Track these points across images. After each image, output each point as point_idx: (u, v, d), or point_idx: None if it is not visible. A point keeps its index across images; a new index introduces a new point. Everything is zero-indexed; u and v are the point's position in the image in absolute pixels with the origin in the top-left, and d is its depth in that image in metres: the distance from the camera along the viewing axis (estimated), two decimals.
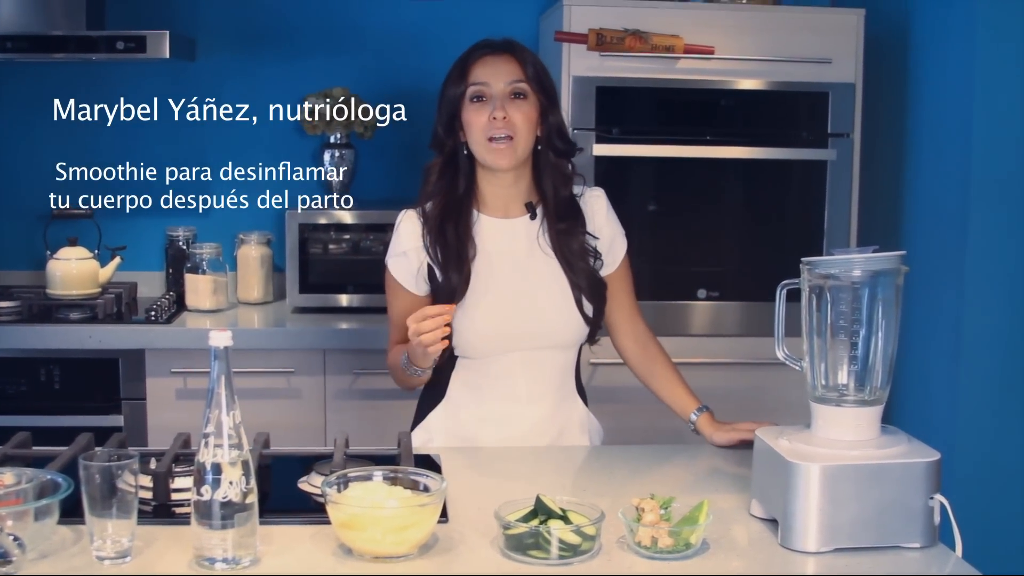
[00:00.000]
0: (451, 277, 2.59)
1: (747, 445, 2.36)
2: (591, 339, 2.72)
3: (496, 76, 2.58)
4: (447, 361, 2.65)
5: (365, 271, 3.97)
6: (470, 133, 2.60)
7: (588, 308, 2.65)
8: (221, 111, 4.32)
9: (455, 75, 2.62)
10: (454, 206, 2.64)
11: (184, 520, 1.93)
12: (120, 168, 4.31)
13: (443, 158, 2.66)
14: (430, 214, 2.63)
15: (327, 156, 4.23)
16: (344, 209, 4.03)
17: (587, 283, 2.65)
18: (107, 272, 4.04)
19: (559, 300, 2.64)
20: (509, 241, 2.66)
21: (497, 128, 2.55)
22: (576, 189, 2.71)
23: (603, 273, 2.71)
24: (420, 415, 2.76)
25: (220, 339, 1.85)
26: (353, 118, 4.17)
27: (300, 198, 4.29)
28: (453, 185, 2.65)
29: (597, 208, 2.73)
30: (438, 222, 2.62)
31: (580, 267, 2.65)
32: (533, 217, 2.67)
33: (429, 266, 2.63)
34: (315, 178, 4.35)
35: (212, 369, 1.85)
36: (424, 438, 2.70)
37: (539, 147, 2.65)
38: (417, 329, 2.38)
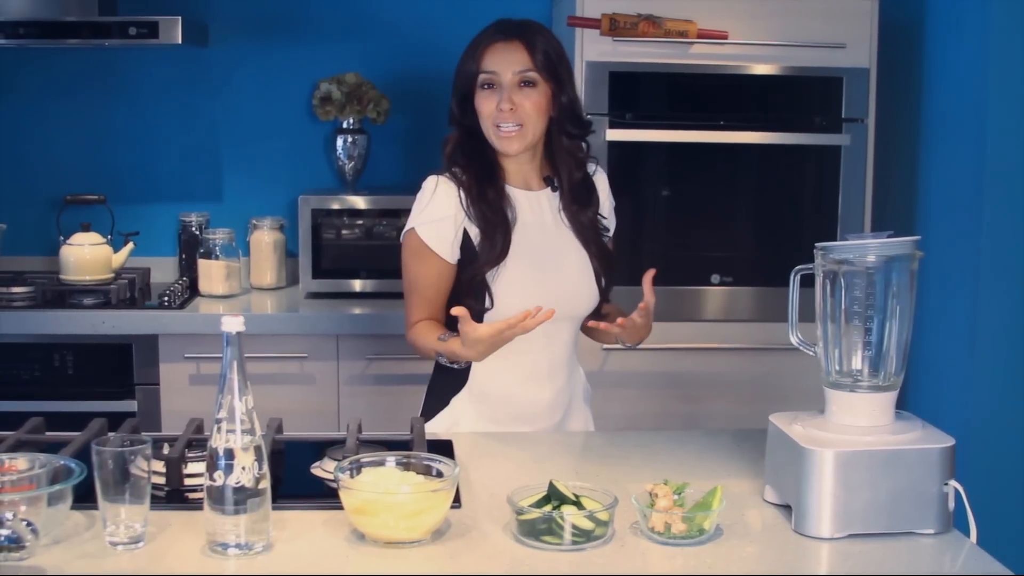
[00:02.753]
0: (496, 241, 2.59)
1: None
2: (597, 314, 2.75)
3: (505, 65, 2.59)
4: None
5: (378, 256, 3.97)
6: (480, 118, 2.62)
7: (603, 281, 2.71)
8: (233, 96, 4.34)
9: (468, 57, 2.64)
10: (486, 171, 2.65)
11: (197, 505, 1.93)
12: (133, 154, 4.33)
13: (459, 134, 2.68)
14: (465, 180, 2.64)
15: (339, 142, 4.23)
16: (357, 194, 4.03)
17: (601, 257, 2.70)
18: (120, 258, 4.05)
19: (582, 271, 2.68)
20: (537, 212, 2.68)
21: (505, 118, 2.58)
22: (589, 167, 2.75)
23: None
24: (435, 397, 2.75)
25: (232, 324, 1.84)
26: (365, 104, 4.17)
27: (312, 183, 4.30)
28: (481, 154, 2.66)
29: (601, 184, 2.78)
30: (476, 189, 2.62)
31: (596, 241, 2.70)
32: (555, 189, 2.70)
33: (464, 233, 2.63)
34: (328, 164, 4.36)
35: (224, 354, 1.84)
36: (449, 422, 2.70)
37: (552, 129, 2.66)
38: (524, 326, 2.42)
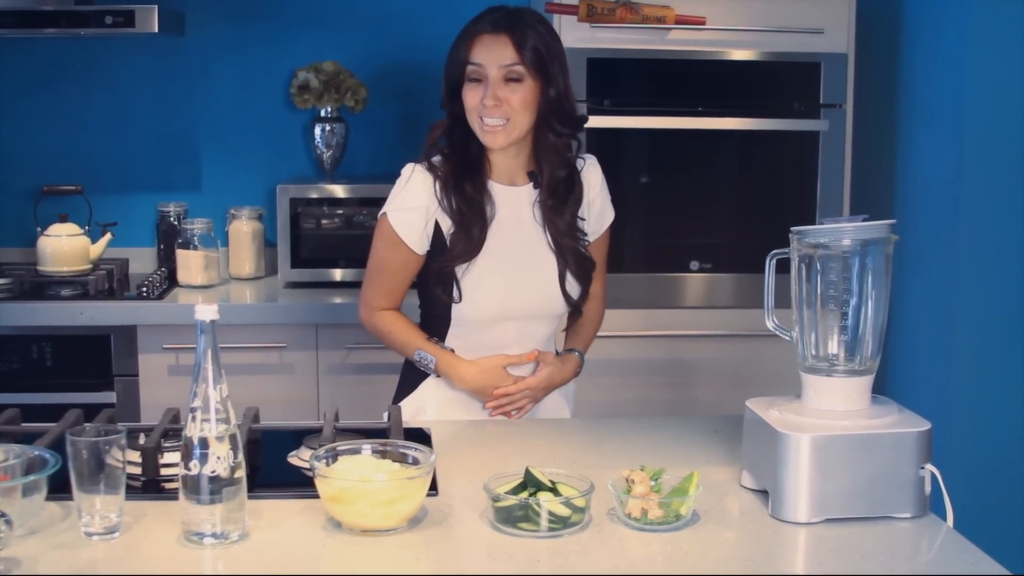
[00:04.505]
0: (472, 235, 2.59)
1: None
2: (575, 315, 2.76)
3: (491, 59, 2.56)
4: (440, 329, 2.69)
5: (357, 245, 3.94)
6: (466, 110, 2.60)
7: (571, 285, 2.67)
8: (211, 86, 4.32)
9: (458, 46, 2.61)
10: (468, 163, 2.64)
11: (173, 495, 1.92)
12: (110, 144, 4.31)
13: (450, 120, 2.66)
14: (443, 170, 2.62)
15: (317, 130, 4.21)
16: (336, 183, 4.02)
17: (573, 260, 2.67)
18: (98, 248, 4.03)
19: (548, 273, 2.66)
20: (515, 209, 2.66)
21: (489, 112, 2.55)
22: (579, 162, 2.72)
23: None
24: (406, 384, 2.77)
25: (206, 313, 1.83)
26: (343, 92, 4.16)
27: (291, 173, 4.29)
28: (466, 145, 2.64)
29: (592, 178, 2.74)
30: (455, 179, 2.61)
31: (567, 244, 2.66)
32: (537, 186, 2.67)
33: (436, 224, 2.62)
34: (306, 152, 4.35)
35: (198, 343, 1.83)
36: (415, 408, 2.71)
37: (539, 125, 2.63)
38: (510, 401, 2.66)
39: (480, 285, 2.60)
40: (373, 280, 2.72)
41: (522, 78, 2.56)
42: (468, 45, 2.58)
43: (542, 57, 2.57)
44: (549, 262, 2.66)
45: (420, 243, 2.63)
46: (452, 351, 2.68)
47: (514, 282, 2.62)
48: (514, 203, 2.66)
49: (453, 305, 2.63)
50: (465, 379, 2.66)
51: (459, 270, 2.61)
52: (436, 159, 2.64)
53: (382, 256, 2.69)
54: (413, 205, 2.62)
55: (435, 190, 2.61)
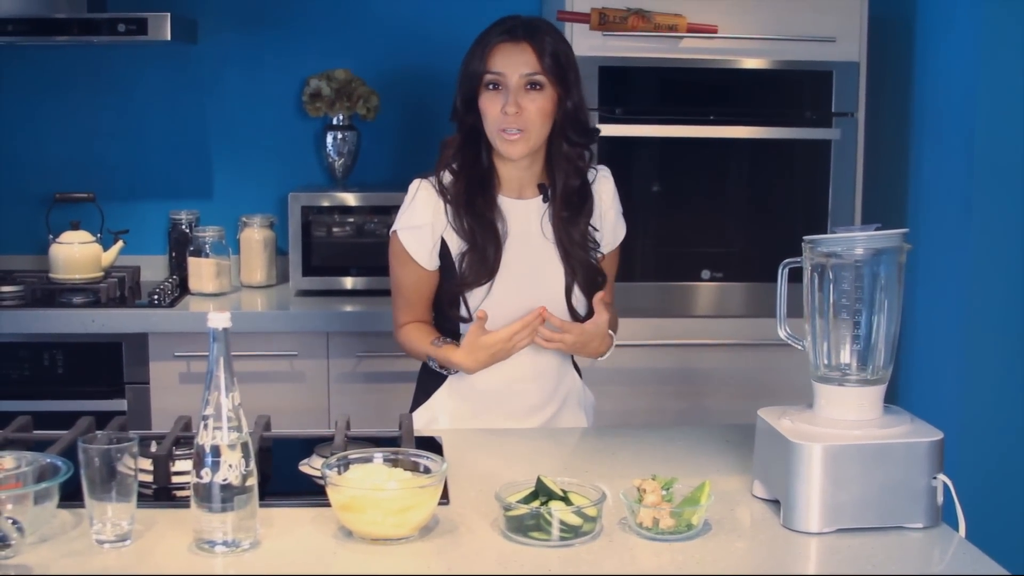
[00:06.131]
0: (488, 255, 2.58)
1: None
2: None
3: (512, 67, 2.54)
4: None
5: (369, 254, 3.96)
6: (484, 120, 2.58)
7: (577, 300, 2.65)
8: (223, 93, 4.33)
9: (475, 56, 2.59)
10: (479, 181, 2.63)
11: (184, 503, 1.92)
12: (122, 151, 4.32)
13: (462, 136, 2.64)
14: (453, 190, 2.61)
15: (329, 138, 4.22)
16: (347, 191, 4.02)
17: (582, 272, 2.65)
18: (110, 256, 4.04)
19: (556, 288, 2.64)
20: (524, 222, 2.65)
21: (509, 121, 2.54)
22: (590, 174, 2.70)
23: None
24: (421, 393, 2.76)
25: (218, 321, 1.84)
26: (355, 100, 4.16)
27: (302, 181, 4.29)
28: (476, 161, 2.64)
29: (604, 190, 2.72)
30: (465, 198, 2.60)
31: (578, 256, 2.64)
32: (546, 199, 2.66)
33: (443, 242, 2.62)
34: (318, 161, 4.35)
35: (211, 351, 1.84)
36: (428, 417, 2.70)
37: (554, 134, 2.62)
38: (514, 346, 2.56)
39: (489, 303, 2.60)
40: (394, 297, 2.73)
41: (542, 86, 2.55)
42: (486, 54, 2.56)
43: (561, 65, 2.56)
44: (557, 277, 2.64)
45: (430, 260, 2.63)
46: (453, 344, 2.63)
47: (522, 298, 2.60)
48: (523, 217, 2.65)
49: (462, 324, 2.63)
50: (463, 365, 2.60)
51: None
52: (447, 179, 2.63)
53: (397, 274, 2.69)
54: (419, 223, 2.62)
55: (446, 212, 2.60)
